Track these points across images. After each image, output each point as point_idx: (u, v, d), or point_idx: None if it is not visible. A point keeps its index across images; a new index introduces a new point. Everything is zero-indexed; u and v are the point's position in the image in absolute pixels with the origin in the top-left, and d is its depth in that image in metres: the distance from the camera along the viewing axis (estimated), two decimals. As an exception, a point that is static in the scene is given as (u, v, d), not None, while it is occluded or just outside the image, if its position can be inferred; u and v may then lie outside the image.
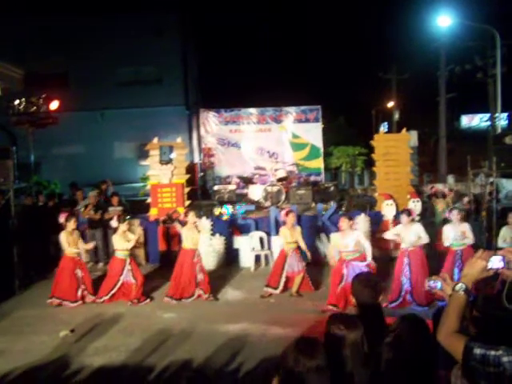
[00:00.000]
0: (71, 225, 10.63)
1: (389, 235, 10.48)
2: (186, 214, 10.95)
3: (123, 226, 10.70)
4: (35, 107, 14.70)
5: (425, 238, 9.83)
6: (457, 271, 9.65)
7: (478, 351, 2.63)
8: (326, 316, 3.78)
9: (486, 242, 12.46)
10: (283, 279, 10.61)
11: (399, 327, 3.30)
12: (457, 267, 9.75)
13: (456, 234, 9.90)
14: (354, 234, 9.69)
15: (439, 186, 19.06)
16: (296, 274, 10.61)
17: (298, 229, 10.86)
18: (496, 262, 2.89)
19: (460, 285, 2.90)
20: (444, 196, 15.88)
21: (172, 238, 13.74)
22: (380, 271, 10.38)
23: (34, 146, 18.93)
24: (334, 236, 10.06)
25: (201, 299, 10.46)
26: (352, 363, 3.31)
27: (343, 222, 9.70)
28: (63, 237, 10.52)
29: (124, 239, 10.55)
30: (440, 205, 14.76)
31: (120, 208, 13.97)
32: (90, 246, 11.57)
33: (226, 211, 14.58)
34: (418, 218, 13.04)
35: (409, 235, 9.76)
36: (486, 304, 3.36)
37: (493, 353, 2.58)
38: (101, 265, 13.49)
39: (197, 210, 12.91)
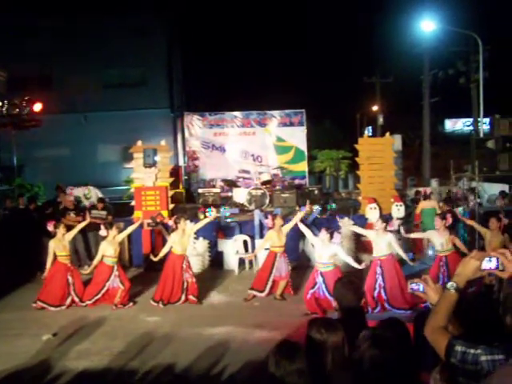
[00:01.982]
0: (61, 231, 10.59)
1: (358, 230, 10.53)
2: (176, 220, 10.88)
3: (113, 232, 10.67)
4: (18, 109, 14.59)
5: (397, 250, 9.92)
6: (441, 277, 9.72)
7: (459, 349, 2.66)
8: (309, 319, 3.80)
9: (468, 245, 12.54)
10: (270, 283, 10.62)
11: (378, 327, 3.33)
12: (441, 273, 9.82)
13: (442, 240, 9.97)
14: (332, 247, 9.64)
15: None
16: (283, 278, 10.64)
17: (285, 229, 10.83)
18: (489, 263, 2.92)
19: (451, 283, 2.91)
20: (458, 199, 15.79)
21: (156, 241, 13.70)
22: (364, 275, 10.45)
23: (16, 149, 18.82)
24: (314, 239, 10.02)
25: (183, 303, 10.46)
26: (333, 367, 3.34)
27: (322, 234, 9.72)
28: (51, 245, 10.50)
29: (113, 246, 10.51)
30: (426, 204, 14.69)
31: (103, 212, 13.90)
32: None
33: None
34: (400, 222, 13.17)
35: (381, 243, 9.80)
36: (471, 303, 3.40)
37: (472, 351, 2.62)
38: (86, 267, 13.39)
39: (181, 212, 12.90)
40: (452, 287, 2.90)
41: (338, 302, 4.23)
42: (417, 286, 3.28)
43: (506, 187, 17.13)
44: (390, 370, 2.97)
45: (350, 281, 4.35)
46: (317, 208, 14.79)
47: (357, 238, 13.60)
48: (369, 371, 2.98)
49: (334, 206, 15.20)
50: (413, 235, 10.95)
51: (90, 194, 15.99)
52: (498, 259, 2.89)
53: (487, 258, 2.91)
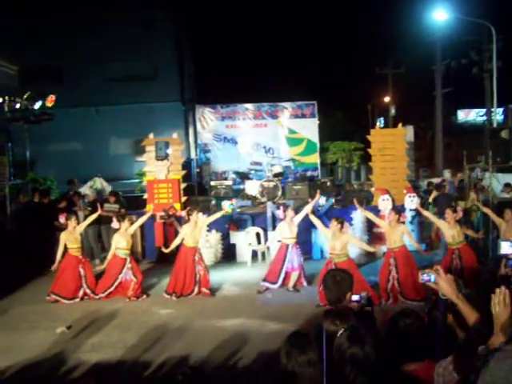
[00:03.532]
0: (72, 224, 10.63)
1: (372, 218, 10.48)
2: (189, 212, 10.88)
3: (125, 224, 10.69)
4: (30, 104, 14.60)
5: (410, 240, 9.93)
6: (454, 270, 9.64)
7: None
8: (322, 311, 3.80)
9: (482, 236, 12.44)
10: (283, 274, 10.61)
11: (394, 317, 3.33)
12: (454, 266, 9.74)
13: (453, 232, 9.89)
14: (343, 237, 9.60)
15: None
16: (295, 269, 10.62)
17: (297, 219, 10.79)
18: (509, 248, 2.84)
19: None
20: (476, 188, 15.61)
21: (169, 234, 13.72)
22: (375, 267, 10.46)
23: (29, 143, 18.88)
24: (325, 230, 10.00)
25: (196, 295, 10.47)
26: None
27: (332, 224, 9.69)
28: (62, 237, 10.54)
29: (125, 238, 10.53)
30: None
31: (116, 206, 13.92)
32: None
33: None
34: (414, 213, 13.14)
35: (394, 235, 9.75)
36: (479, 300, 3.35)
37: None
38: (97, 262, 13.44)
39: (193, 205, 12.90)
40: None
41: (325, 294, 4.35)
42: (428, 277, 3.25)
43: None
44: (370, 367, 2.95)
45: (335, 273, 4.46)
46: (329, 200, 14.76)
47: (369, 229, 13.57)
48: (350, 370, 2.97)
49: (332, 200, 15.10)
50: (426, 213, 10.86)
51: (96, 184, 15.99)
52: None
53: (508, 243, 2.85)
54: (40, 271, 12.16)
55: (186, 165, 16.56)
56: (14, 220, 13.54)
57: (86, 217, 13.01)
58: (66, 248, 10.57)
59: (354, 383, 2.92)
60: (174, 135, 15.01)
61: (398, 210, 10.44)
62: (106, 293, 10.43)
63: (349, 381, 2.93)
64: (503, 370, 2.00)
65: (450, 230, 9.90)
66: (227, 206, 11.76)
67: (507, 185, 14.87)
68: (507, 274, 8.73)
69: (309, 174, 21.67)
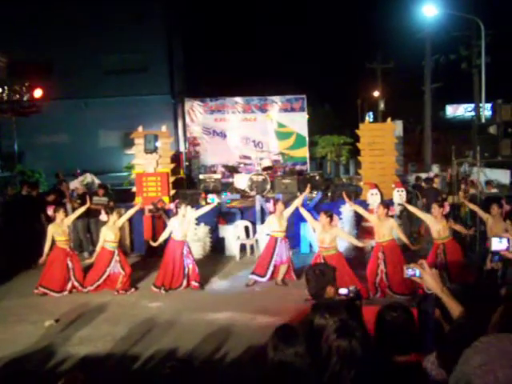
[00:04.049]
0: (60, 216, 10.58)
1: (361, 211, 10.56)
2: (177, 205, 10.87)
3: (114, 217, 10.66)
4: (18, 95, 14.49)
5: (399, 234, 9.99)
6: (439, 265, 9.69)
7: None
8: (310, 304, 3.82)
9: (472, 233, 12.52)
10: (271, 268, 10.63)
11: (382, 311, 3.35)
12: (439, 262, 9.78)
13: (438, 227, 9.94)
14: (333, 230, 9.67)
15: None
16: (284, 263, 10.65)
17: (286, 213, 10.80)
18: (500, 244, 2.84)
19: None
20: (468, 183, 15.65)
21: (157, 227, 13.70)
22: (364, 261, 10.48)
23: (17, 135, 18.76)
24: (315, 223, 10.06)
25: (185, 288, 10.48)
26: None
27: (321, 218, 9.74)
28: (50, 230, 10.48)
29: (113, 231, 10.50)
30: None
31: (105, 199, 13.89)
32: None
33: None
34: (402, 208, 13.19)
35: (383, 228, 9.80)
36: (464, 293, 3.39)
37: None
38: (86, 254, 13.42)
39: (182, 198, 12.89)
40: None
41: (307, 287, 4.49)
42: (413, 271, 3.26)
43: (507, 173, 17.19)
44: (356, 360, 2.97)
45: (316, 267, 4.56)
46: (317, 193, 14.79)
47: (358, 223, 13.62)
48: (336, 361, 2.99)
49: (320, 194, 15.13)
50: (411, 208, 10.93)
51: (87, 179, 15.94)
52: (508, 240, 2.83)
53: (497, 239, 2.85)
54: (28, 264, 12.11)
55: (175, 158, 16.53)
56: (2, 213, 13.47)
57: (74, 209, 12.97)
58: (53, 241, 10.54)
59: (340, 375, 2.94)
60: (163, 128, 14.97)
61: (387, 204, 10.49)
62: (95, 286, 10.42)
63: (334, 372, 2.95)
64: (470, 366, 2.01)
65: (435, 225, 9.94)
66: (211, 199, 11.74)
67: (489, 182, 15.16)
68: (493, 268, 8.82)
69: (298, 168, 21.66)
